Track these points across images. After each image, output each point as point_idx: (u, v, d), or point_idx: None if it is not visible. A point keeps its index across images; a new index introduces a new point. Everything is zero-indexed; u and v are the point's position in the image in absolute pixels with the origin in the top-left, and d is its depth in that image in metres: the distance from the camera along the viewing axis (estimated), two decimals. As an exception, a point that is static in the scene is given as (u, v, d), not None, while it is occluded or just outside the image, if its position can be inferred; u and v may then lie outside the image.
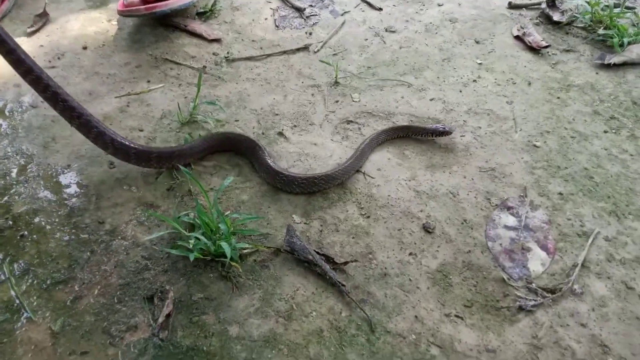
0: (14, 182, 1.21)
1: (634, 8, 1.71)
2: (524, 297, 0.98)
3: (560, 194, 1.17)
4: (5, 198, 1.17)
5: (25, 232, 1.10)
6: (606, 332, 0.93)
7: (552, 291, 0.99)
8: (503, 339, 0.93)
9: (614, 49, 1.54)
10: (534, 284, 1.00)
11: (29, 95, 1.42)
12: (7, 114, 1.38)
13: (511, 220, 1.11)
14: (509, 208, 1.14)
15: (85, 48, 1.57)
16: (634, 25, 1.65)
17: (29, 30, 1.64)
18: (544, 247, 1.06)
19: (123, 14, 1.58)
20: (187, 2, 1.63)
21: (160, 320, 0.95)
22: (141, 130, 1.32)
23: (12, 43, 1.12)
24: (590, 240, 1.07)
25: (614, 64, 1.51)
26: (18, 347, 0.92)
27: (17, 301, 0.99)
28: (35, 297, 1.00)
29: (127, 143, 1.15)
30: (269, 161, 1.18)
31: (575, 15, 1.67)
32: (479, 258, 1.06)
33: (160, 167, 1.20)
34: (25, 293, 1.00)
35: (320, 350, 0.91)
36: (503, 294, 1.00)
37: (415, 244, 1.08)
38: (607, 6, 1.66)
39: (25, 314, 0.97)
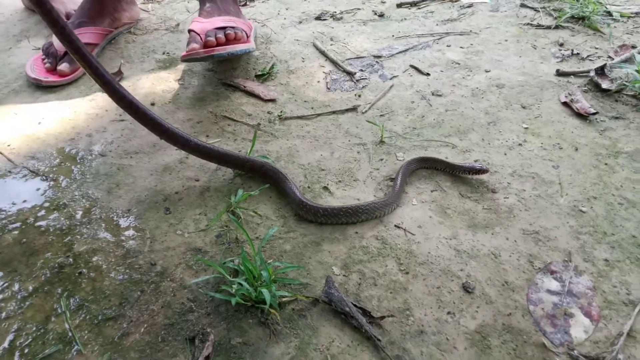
0: (78, 223, 1.31)
1: (688, 77, 1.70)
2: (566, 365, 0.95)
3: (606, 260, 1.14)
4: (69, 237, 1.27)
5: (84, 270, 1.19)
6: (655, 408, 0.88)
7: (595, 359, 0.95)
8: (542, 407, 0.90)
9: (666, 117, 1.53)
10: (575, 351, 0.97)
11: (99, 144, 1.56)
12: (79, 160, 1.51)
13: (554, 285, 1.09)
14: (552, 272, 1.12)
15: (153, 104, 1.72)
16: (688, 94, 1.63)
17: (104, 87, 1.82)
18: (587, 314, 1.03)
19: (184, 58, 1.70)
20: (244, 48, 1.74)
21: (200, 361, 0.99)
22: (197, 180, 1.41)
23: (109, 76, 1.27)
24: (637, 310, 1.03)
25: (666, 132, 1.49)
26: (67, 377, 0.98)
27: (70, 334, 1.06)
28: (86, 331, 1.06)
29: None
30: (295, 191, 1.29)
31: (625, 83, 1.67)
32: (519, 321, 1.04)
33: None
34: (78, 327, 1.07)
35: (352, 404, 0.91)
36: (543, 359, 0.97)
37: (454, 303, 1.08)
38: (658, 75, 1.66)
39: (75, 347, 1.03)
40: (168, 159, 1.50)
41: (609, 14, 2.13)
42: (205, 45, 1.69)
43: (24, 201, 1.39)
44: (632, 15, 2.12)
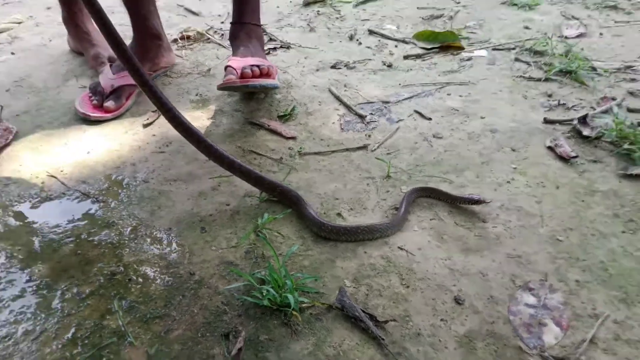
0: (126, 239, 1.53)
1: (659, 128, 1.93)
2: (539, 365, 1.14)
3: (577, 281, 1.34)
4: (119, 250, 1.49)
5: (133, 277, 1.40)
6: (610, 399, 1.07)
7: (562, 359, 1.14)
8: (517, 396, 1.08)
9: (637, 161, 1.75)
10: (546, 353, 1.16)
11: (142, 172, 1.79)
12: (124, 185, 1.74)
13: (531, 300, 1.29)
14: (530, 289, 1.32)
15: (188, 139, 1.96)
16: (659, 142, 1.85)
17: (144, 122, 2.07)
18: (558, 324, 1.23)
19: (221, 86, 1.96)
20: (273, 83, 2.00)
21: (233, 353, 1.18)
22: (228, 205, 1.64)
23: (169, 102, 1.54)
24: (599, 321, 1.22)
25: (636, 174, 1.71)
26: (124, 361, 1.18)
27: (123, 329, 1.26)
28: (136, 327, 1.26)
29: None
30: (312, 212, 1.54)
31: (603, 131, 1.90)
32: (500, 328, 1.23)
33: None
34: (129, 323, 1.27)
35: (360, 389, 1.10)
36: (519, 359, 1.16)
37: (446, 312, 1.28)
38: (632, 124, 1.89)
39: (128, 339, 1.23)
40: (203, 186, 1.73)
41: (594, 69, 2.38)
42: (242, 76, 1.94)
43: (78, 219, 1.62)
44: (614, 70, 2.37)
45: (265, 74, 1.98)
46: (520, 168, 1.78)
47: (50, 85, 2.37)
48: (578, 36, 2.71)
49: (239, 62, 2.00)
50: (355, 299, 1.31)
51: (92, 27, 2.53)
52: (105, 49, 2.47)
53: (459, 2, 3.15)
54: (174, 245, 1.50)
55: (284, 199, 1.63)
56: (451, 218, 1.58)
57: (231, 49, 2.23)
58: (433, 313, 1.27)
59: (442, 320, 1.25)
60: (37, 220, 1.64)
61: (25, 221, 1.62)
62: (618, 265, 1.38)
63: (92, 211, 1.65)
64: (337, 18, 3.01)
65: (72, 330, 1.27)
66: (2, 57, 2.64)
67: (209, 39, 2.77)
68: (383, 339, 1.20)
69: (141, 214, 1.61)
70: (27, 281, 1.41)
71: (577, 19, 2.92)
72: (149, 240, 1.52)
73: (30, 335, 1.25)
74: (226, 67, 2.03)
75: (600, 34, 2.75)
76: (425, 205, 1.63)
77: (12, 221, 1.61)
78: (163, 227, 1.56)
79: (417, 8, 3.11)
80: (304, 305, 1.29)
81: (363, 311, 1.26)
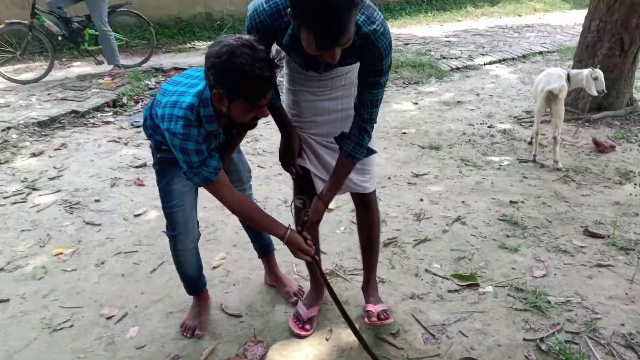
0: None
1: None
2: None
3: None
4: None
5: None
6: None
7: None
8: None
9: (565, 366, 3.85)
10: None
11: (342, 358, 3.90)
12: (332, 376, 3.84)
13: None
14: None
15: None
16: (578, 353, 3.96)
17: (326, 337, 4.23)
18: None
19: (369, 325, 4.14)
20: (392, 321, 4.19)
21: None
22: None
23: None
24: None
25: None
26: None
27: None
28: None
29: None
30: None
31: (550, 348, 4.01)
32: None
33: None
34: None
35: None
36: None
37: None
38: (564, 342, 4.00)
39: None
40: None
41: (549, 302, 4.55)
42: (378, 318, 4.12)
43: (319, 394, 3.70)
44: (560, 303, 4.53)
45: (389, 316, 4.19)
46: (512, 370, 3.88)
47: (267, 310, 4.55)
48: (542, 276, 4.93)
49: (375, 308, 4.20)
50: None
51: (282, 274, 4.79)
52: (291, 287, 4.70)
53: (473, 245, 5.44)
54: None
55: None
56: None
57: (363, 295, 4.45)
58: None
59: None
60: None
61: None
62: None
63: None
64: (404, 257, 5.28)
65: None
66: (229, 289, 4.86)
67: (338, 274, 5.01)
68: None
69: None
70: None
71: (542, 261, 5.17)
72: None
73: None
74: (367, 311, 4.23)
75: (555, 274, 4.97)
76: (471, 389, 3.71)
77: (291, 395, 3.69)
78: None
79: (450, 250, 5.40)
80: None
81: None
